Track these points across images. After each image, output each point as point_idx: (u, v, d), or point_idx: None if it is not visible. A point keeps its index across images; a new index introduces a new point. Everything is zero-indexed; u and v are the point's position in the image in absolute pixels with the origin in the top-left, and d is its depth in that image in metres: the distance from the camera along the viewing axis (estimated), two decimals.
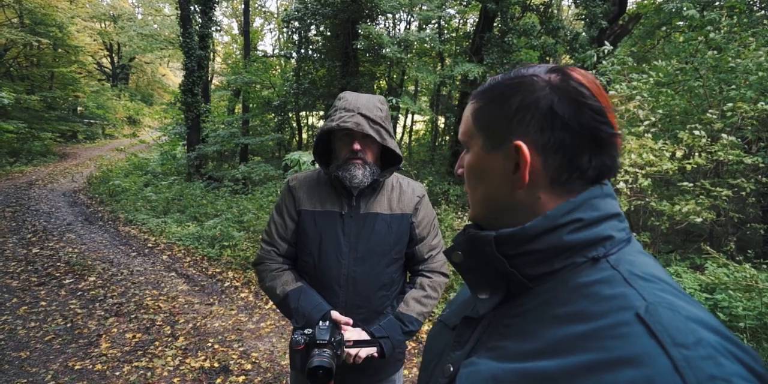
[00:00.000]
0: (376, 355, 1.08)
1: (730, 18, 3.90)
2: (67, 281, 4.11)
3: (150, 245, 5.54)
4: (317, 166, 1.22)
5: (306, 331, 0.97)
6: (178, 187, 8.65)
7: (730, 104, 3.29)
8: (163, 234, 5.99)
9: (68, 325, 3.21)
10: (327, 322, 1.00)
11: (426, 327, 3.14)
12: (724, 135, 3.13)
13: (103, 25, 23.24)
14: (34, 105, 13.10)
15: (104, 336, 3.06)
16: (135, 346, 2.95)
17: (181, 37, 9.40)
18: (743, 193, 3.54)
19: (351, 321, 1.10)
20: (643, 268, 0.42)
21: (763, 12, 7.36)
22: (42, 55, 15.52)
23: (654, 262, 0.45)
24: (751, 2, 7.16)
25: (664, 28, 8.27)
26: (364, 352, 1.05)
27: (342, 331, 1.05)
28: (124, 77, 25.21)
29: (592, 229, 0.44)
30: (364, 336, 1.09)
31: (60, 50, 16.14)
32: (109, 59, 24.30)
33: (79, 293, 3.84)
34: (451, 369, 0.51)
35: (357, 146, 1.10)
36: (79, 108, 18.37)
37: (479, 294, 0.51)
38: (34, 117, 13.67)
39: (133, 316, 3.43)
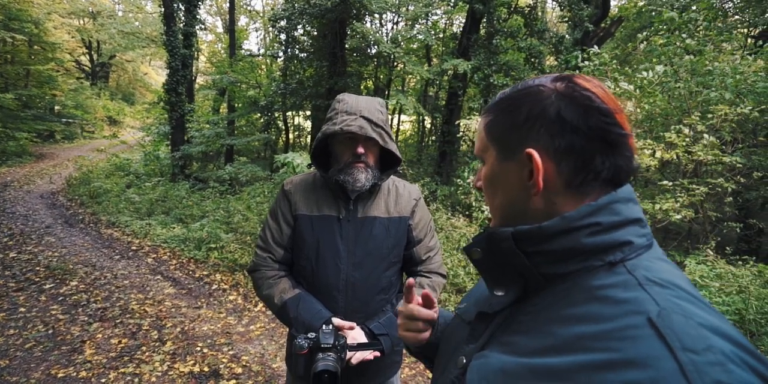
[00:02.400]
0: (378, 354, 1.07)
1: (708, 22, 4.03)
2: (48, 286, 3.98)
3: (134, 248, 5.41)
4: (312, 168, 1.21)
5: (309, 335, 0.96)
6: (162, 188, 8.46)
7: (713, 106, 3.39)
8: (148, 236, 5.85)
9: (50, 331, 3.11)
10: (330, 326, 1.00)
11: None
12: (706, 135, 3.23)
13: (81, 22, 22.55)
14: (9, 104, 12.60)
15: (88, 342, 2.97)
16: (121, 351, 2.87)
17: (164, 35, 9.19)
18: (719, 189, 3.67)
19: (354, 325, 1.09)
20: (660, 274, 0.42)
21: (736, 16, 7.64)
22: (17, 52, 14.94)
23: (673, 269, 0.45)
24: (726, 8, 7.42)
25: (645, 32, 8.50)
26: (360, 354, 1.05)
27: (345, 335, 1.04)
28: (104, 75, 24.52)
29: (611, 234, 0.44)
30: (365, 339, 1.08)
31: (36, 47, 15.59)
32: (88, 57, 23.57)
33: (61, 298, 3.72)
34: (464, 361, 0.53)
35: (361, 150, 1.09)
36: (56, 107, 17.77)
37: (496, 291, 0.52)
38: (8, 116, 13.15)
39: (118, 320, 3.34)
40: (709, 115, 3.65)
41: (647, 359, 0.34)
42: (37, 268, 4.43)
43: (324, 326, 0.99)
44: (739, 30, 7.47)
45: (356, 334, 1.08)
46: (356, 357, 1.03)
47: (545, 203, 0.48)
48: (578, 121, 0.45)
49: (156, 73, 31.55)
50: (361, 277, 1.14)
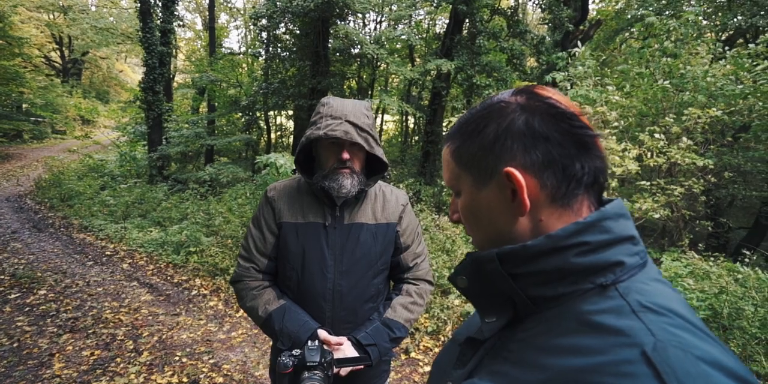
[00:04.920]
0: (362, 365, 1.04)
1: (684, 27, 4.16)
2: (13, 296, 3.76)
3: (108, 253, 5.19)
4: (295, 173, 1.16)
5: (294, 353, 0.90)
6: (139, 190, 8.18)
7: (690, 109, 3.49)
8: (123, 240, 5.64)
9: (14, 344, 2.93)
10: (316, 342, 0.94)
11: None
12: (684, 138, 3.32)
13: (51, 17, 21.61)
14: None
15: (58, 355, 2.81)
16: (93, 364, 2.73)
17: (140, 32, 8.89)
18: (695, 189, 3.79)
19: (342, 341, 1.04)
20: (654, 298, 0.39)
21: (707, 22, 7.93)
22: None
23: (669, 291, 0.42)
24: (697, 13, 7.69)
25: (624, 35, 8.73)
26: (347, 370, 1.00)
27: (332, 351, 0.99)
28: (77, 72, 23.56)
29: (601, 254, 0.42)
30: (353, 352, 1.04)
31: (1, 42, 14.84)
32: (58, 53, 22.60)
33: (27, 309, 3.53)
34: None
35: (346, 155, 1.04)
36: (24, 105, 16.98)
37: (486, 318, 0.50)
38: None
39: (90, 331, 3.18)
40: (684, 117, 3.77)
41: None
42: (2, 277, 4.18)
43: (309, 342, 0.93)
44: (709, 34, 7.76)
45: (344, 347, 1.03)
46: (345, 369, 0.99)
47: (530, 223, 0.46)
48: (548, 129, 0.44)
49: (132, 71, 30.56)
50: (348, 286, 1.10)
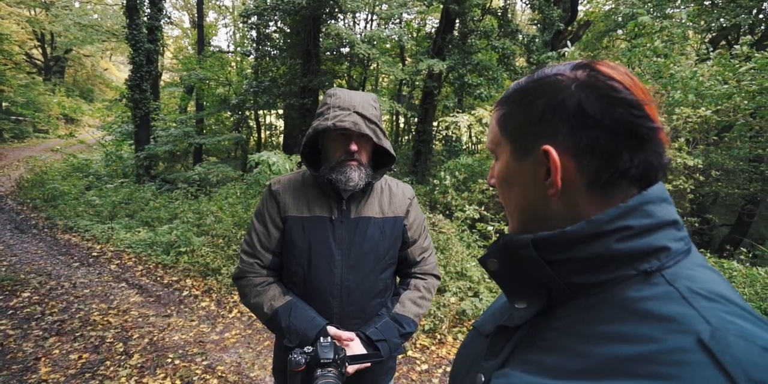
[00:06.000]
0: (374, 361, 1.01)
1: (675, 27, 4.24)
2: None
3: (95, 254, 5.06)
4: (301, 167, 1.13)
5: (306, 350, 0.87)
6: (126, 189, 8.00)
7: (683, 109, 3.55)
8: (110, 241, 5.50)
9: None
10: (329, 338, 0.91)
11: None
12: (680, 138, 3.38)
13: (33, 12, 21.01)
14: None
15: (44, 359, 2.72)
16: (82, 368, 2.65)
17: (126, 29, 8.70)
18: (684, 187, 3.87)
19: (353, 336, 1.01)
20: (705, 284, 0.37)
21: (691, 24, 8.11)
22: None
23: (719, 278, 0.40)
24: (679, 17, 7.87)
25: (612, 35, 8.86)
26: (355, 367, 0.98)
27: (344, 347, 0.97)
28: (59, 70, 22.94)
29: (645, 239, 0.40)
30: (362, 349, 1.01)
31: None
32: (40, 50, 21.98)
33: (11, 312, 3.41)
34: (483, 378, 0.49)
35: (354, 147, 1.02)
36: (3, 103, 16.49)
37: (516, 303, 0.48)
38: None
39: (78, 334, 3.09)
40: (674, 117, 3.84)
41: None
42: None
43: (322, 339, 0.91)
44: (693, 34, 7.94)
45: (353, 344, 1.01)
46: (352, 367, 0.97)
47: (566, 205, 0.44)
48: (602, 115, 0.40)
49: (117, 69, 29.95)
50: (356, 281, 1.07)
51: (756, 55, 3.81)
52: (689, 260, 0.41)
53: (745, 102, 3.93)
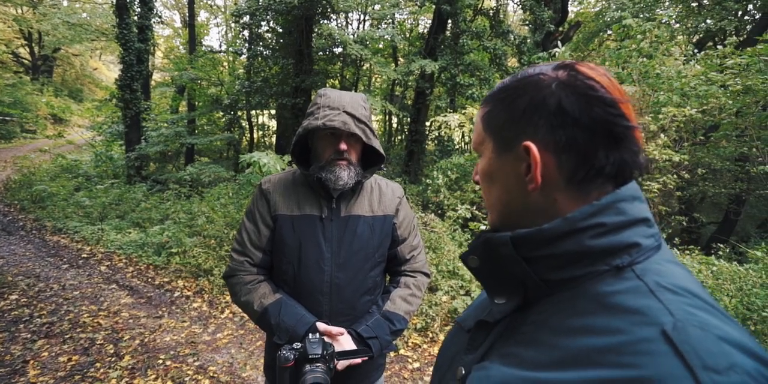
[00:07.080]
0: (365, 358, 1.03)
1: (658, 29, 4.32)
2: None
3: (85, 255, 5.00)
4: (293, 166, 1.15)
5: (295, 346, 0.89)
6: (116, 190, 7.91)
7: (669, 108, 3.62)
8: (101, 242, 5.44)
9: None
10: (317, 334, 0.93)
11: None
12: (662, 135, 3.44)
13: (19, 11, 20.67)
14: None
15: (32, 362, 2.69)
16: (71, 370, 2.62)
17: (116, 28, 8.61)
18: (670, 186, 3.94)
19: (343, 331, 1.03)
20: (672, 279, 0.39)
21: (678, 25, 8.25)
22: None
23: (686, 273, 0.42)
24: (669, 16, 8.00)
25: (602, 35, 8.98)
26: (345, 363, 1.00)
27: (333, 342, 0.98)
28: (48, 70, 22.58)
29: (617, 235, 0.41)
30: (352, 345, 1.03)
31: None
32: (27, 49, 21.63)
33: None
34: (463, 372, 0.50)
35: (343, 146, 1.03)
36: None
37: (496, 299, 0.50)
38: None
39: (67, 336, 3.06)
40: (660, 116, 3.91)
41: (665, 379, 0.31)
42: None
43: (310, 335, 0.92)
44: (681, 37, 8.09)
45: (344, 340, 1.02)
46: (342, 363, 0.98)
47: (545, 200, 0.45)
48: (580, 113, 0.42)
49: (107, 69, 29.57)
50: (346, 279, 1.08)
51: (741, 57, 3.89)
52: (659, 256, 0.42)
53: (730, 102, 4.02)
